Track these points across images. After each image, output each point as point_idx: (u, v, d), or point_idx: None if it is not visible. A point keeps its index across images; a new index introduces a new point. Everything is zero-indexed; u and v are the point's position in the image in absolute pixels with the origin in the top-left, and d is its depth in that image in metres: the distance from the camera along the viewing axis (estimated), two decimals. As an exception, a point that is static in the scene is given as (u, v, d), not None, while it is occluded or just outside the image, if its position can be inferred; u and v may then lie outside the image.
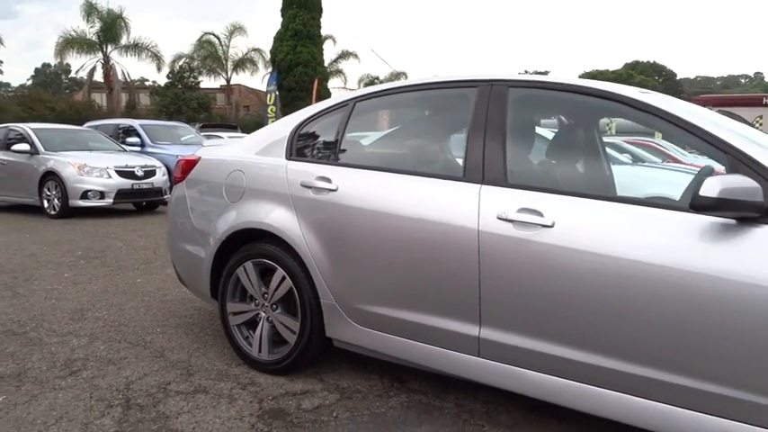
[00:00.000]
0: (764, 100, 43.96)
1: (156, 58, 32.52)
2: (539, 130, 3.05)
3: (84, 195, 9.15)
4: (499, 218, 2.39)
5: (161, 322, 3.99)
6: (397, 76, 49.18)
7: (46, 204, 9.37)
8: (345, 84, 41.99)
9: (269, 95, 21.95)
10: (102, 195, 9.26)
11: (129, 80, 33.78)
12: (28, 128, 10.17)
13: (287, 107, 26.52)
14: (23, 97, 28.93)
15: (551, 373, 2.34)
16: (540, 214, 2.32)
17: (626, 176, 2.41)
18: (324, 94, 30.10)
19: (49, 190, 9.34)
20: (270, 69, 33.62)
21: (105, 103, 32.35)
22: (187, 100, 34.19)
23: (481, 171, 2.52)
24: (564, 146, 2.75)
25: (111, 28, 30.96)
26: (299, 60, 31.90)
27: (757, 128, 18.45)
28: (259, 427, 2.59)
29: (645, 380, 2.14)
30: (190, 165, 3.54)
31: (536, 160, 2.65)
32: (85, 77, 33.18)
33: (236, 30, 36.61)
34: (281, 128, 3.27)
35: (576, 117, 2.77)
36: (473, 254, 2.44)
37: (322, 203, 2.89)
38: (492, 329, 2.45)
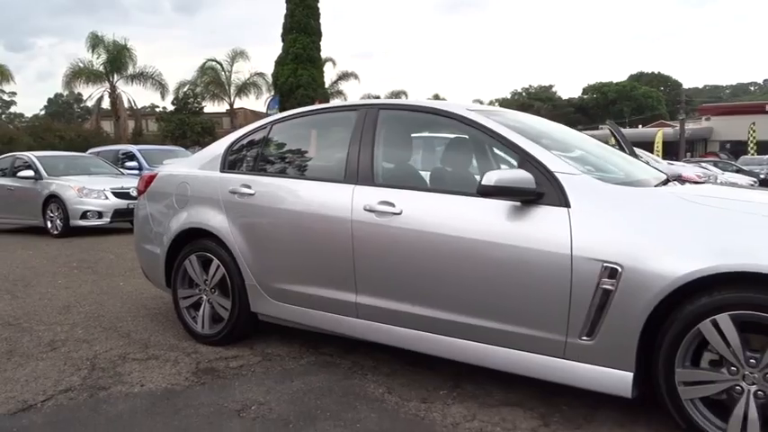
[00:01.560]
0: (767, 107, 44.50)
1: (161, 85, 33.68)
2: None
3: (84, 215, 9.97)
4: (365, 209, 3.13)
5: (132, 313, 4.75)
6: (396, 95, 50.25)
7: (49, 225, 10.21)
8: (346, 104, 42.91)
9: None
10: (100, 215, 10.08)
11: (134, 107, 34.94)
12: (32, 155, 11.07)
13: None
14: (34, 127, 30.13)
15: (408, 327, 3.07)
16: (392, 205, 3.06)
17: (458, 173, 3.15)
18: None
19: (51, 212, 10.18)
20: (272, 92, 34.61)
21: (113, 131, 33.48)
22: (191, 125, 35.26)
23: (356, 174, 3.27)
24: (412, 153, 3.49)
25: (117, 58, 32.15)
26: (300, 83, 32.78)
27: (751, 134, 19.08)
28: (192, 379, 3.32)
29: (467, 326, 2.86)
30: (150, 179, 4.33)
31: (394, 165, 3.39)
32: (93, 106, 34.34)
33: (237, 55, 37.68)
34: (219, 146, 4.05)
35: (422, 130, 3.51)
36: (348, 238, 3.19)
37: (244, 205, 3.66)
38: (365, 296, 3.19)
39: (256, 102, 57.10)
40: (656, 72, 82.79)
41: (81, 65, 31.91)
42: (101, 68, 32.37)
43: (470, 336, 2.87)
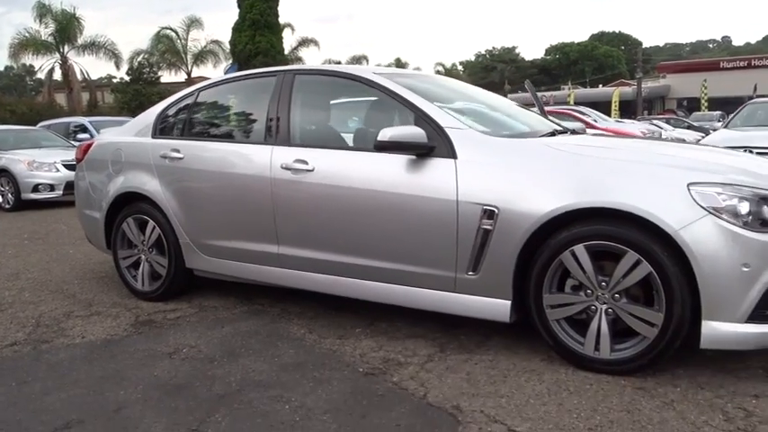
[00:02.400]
0: (722, 64, 45.51)
1: (114, 55, 32.93)
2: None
3: (36, 189, 10.01)
4: (282, 167, 3.42)
5: (80, 277, 4.98)
6: (357, 60, 49.95)
7: (0, 199, 10.23)
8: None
9: None
10: (51, 188, 10.12)
11: (88, 79, 34.15)
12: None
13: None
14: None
15: (324, 272, 3.39)
16: (306, 162, 3.35)
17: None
18: None
19: (2, 186, 10.20)
20: (231, 60, 34.13)
21: (67, 103, 32.73)
22: (148, 95, 34.59)
23: (275, 136, 3.55)
24: (325, 114, 3.78)
25: (66, 28, 31.25)
26: (259, 50, 32.33)
27: (703, 91, 19.71)
28: (130, 330, 3.61)
29: (373, 268, 3.19)
30: (87, 147, 4.53)
31: (308, 126, 3.67)
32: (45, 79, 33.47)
33: (192, 23, 36.95)
34: (150, 114, 4.27)
35: (334, 93, 3.78)
36: (269, 194, 3.47)
37: (174, 169, 3.90)
38: (285, 246, 3.49)
39: (214, 70, 55.91)
40: (616, 31, 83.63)
41: (27, 35, 30.95)
42: (50, 39, 31.44)
43: (376, 277, 3.20)
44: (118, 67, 33.52)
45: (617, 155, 2.90)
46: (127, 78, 37.24)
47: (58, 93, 34.24)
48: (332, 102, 3.78)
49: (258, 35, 32.31)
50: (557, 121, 4.30)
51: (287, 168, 3.40)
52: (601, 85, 53.10)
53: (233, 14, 31.88)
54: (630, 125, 16.57)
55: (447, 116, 3.10)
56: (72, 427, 2.44)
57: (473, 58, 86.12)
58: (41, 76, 34.59)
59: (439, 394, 2.57)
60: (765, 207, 2.50)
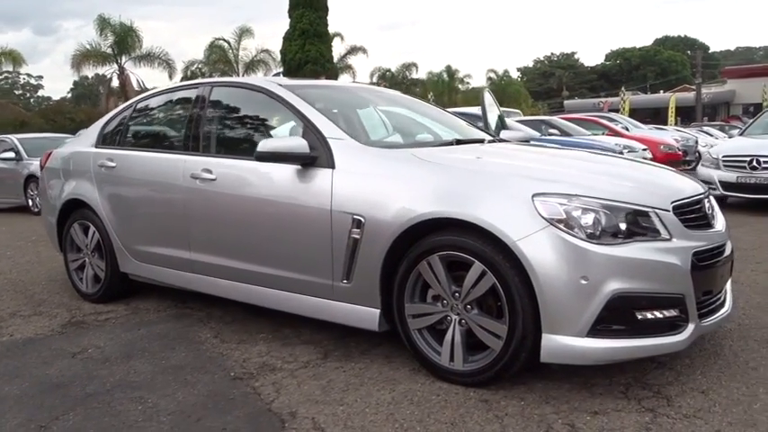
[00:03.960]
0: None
1: (168, 65, 34.23)
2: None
3: (60, 194, 10.54)
4: (191, 176, 3.54)
5: (50, 279, 5.25)
6: (407, 67, 50.18)
7: (30, 203, 10.83)
8: (354, 78, 43.08)
9: None
10: (75, 193, 10.64)
11: (143, 88, 35.56)
12: (14, 138, 11.68)
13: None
14: (46, 110, 30.98)
15: (225, 278, 3.49)
16: (210, 172, 3.46)
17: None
18: None
19: (31, 191, 10.79)
20: (281, 69, 34.89)
21: (124, 112, 34.14)
22: (200, 103, 35.71)
23: (189, 145, 3.67)
24: (232, 124, 3.86)
25: (124, 40, 32.72)
26: (308, 59, 32.89)
27: (765, 96, 19.08)
28: (57, 330, 3.80)
29: (263, 274, 3.26)
30: (47, 156, 4.79)
31: (216, 135, 3.75)
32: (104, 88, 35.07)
33: (244, 33, 38.04)
34: (97, 124, 4.48)
35: (245, 104, 3.84)
36: (181, 203, 3.60)
37: (108, 177, 4.09)
38: (196, 252, 3.61)
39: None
40: (682, 35, 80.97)
41: (89, 47, 32.56)
42: (108, 50, 32.97)
43: (266, 283, 3.28)
44: (171, 77, 34.76)
45: (479, 167, 2.87)
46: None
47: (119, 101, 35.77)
48: (238, 110, 3.85)
49: (308, 44, 32.86)
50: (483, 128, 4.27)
51: (195, 177, 3.52)
52: (662, 91, 51.48)
53: (284, 24, 32.50)
54: (664, 133, 16.02)
55: (331, 127, 3.14)
56: (-61, 418, 2.61)
57: (531, 65, 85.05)
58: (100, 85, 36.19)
59: (286, 400, 2.61)
60: (610, 218, 2.43)
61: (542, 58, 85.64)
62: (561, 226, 2.41)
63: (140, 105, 4.27)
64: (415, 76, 50.47)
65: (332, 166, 3.01)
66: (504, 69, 56.91)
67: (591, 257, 2.37)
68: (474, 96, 51.19)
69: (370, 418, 2.42)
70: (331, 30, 34.92)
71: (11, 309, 4.33)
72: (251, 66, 38.94)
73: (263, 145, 3.04)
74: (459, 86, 51.98)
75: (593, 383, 2.64)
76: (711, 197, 3.11)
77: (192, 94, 3.88)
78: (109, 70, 33.76)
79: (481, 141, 3.70)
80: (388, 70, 51.22)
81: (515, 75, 73.45)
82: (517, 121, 11.40)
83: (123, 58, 33.58)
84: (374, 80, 50.50)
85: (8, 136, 12.05)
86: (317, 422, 2.39)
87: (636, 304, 2.41)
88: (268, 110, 3.53)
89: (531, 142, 5.28)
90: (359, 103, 3.86)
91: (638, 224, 2.48)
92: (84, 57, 32.69)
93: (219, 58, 37.97)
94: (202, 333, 3.59)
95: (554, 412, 2.40)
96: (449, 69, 51.76)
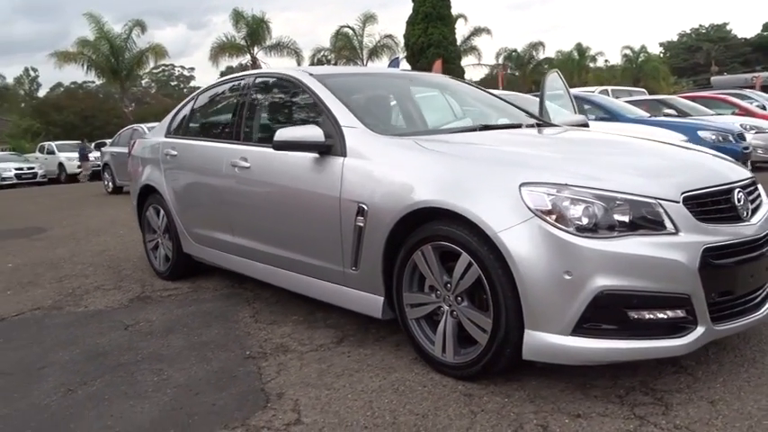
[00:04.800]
0: None
1: (296, 54, 35.69)
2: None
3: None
4: (231, 164, 3.73)
5: (142, 257, 5.75)
6: (534, 47, 48.47)
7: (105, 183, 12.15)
8: (480, 60, 42.42)
9: None
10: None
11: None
12: (144, 126, 12.80)
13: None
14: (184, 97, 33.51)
15: (261, 261, 3.65)
16: (246, 160, 3.63)
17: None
18: (456, 72, 31.08)
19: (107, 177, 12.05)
20: (405, 53, 35.15)
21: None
22: (326, 89, 36.92)
23: (232, 134, 3.88)
24: (270, 113, 3.96)
25: (256, 31, 34.53)
26: (431, 42, 32.81)
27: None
28: (125, 303, 4.19)
29: (291, 260, 3.39)
30: (134, 144, 5.24)
31: (255, 124, 3.88)
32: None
33: (368, 19, 38.67)
34: (169, 115, 4.82)
35: (280, 93, 3.92)
36: (224, 189, 3.82)
37: (172, 164, 4.41)
38: (237, 236, 3.81)
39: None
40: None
41: (225, 39, 34.70)
42: (242, 42, 34.94)
43: (291, 267, 3.40)
44: (299, 65, 36.17)
45: (477, 154, 2.76)
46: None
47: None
48: (275, 99, 3.97)
49: (431, 27, 32.73)
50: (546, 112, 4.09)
51: (234, 165, 3.71)
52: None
53: (408, 9, 32.60)
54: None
55: (347, 115, 3.16)
56: (-3, 377, 3.00)
57: (675, 39, 78.89)
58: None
59: (281, 381, 2.71)
60: (605, 210, 2.27)
61: (689, 31, 79.07)
62: (547, 217, 2.28)
63: (200, 97, 4.55)
64: (542, 56, 48.75)
65: (344, 154, 3.04)
66: (641, 45, 53.21)
67: (575, 252, 2.23)
68: (609, 75, 48.45)
69: (348, 404, 2.45)
70: (455, 11, 34.50)
71: (97, 282, 4.82)
72: (374, 52, 39.55)
73: (280, 134, 3.13)
74: (590, 65, 49.49)
75: (593, 384, 2.49)
76: (758, 186, 2.79)
77: (238, 84, 4.07)
78: (242, 60, 35.79)
79: (518, 126, 3.56)
80: (514, 50, 49.83)
81: (657, 50, 68.53)
82: (630, 102, 10.71)
83: (255, 49, 35.43)
84: (499, 61, 49.39)
85: (140, 125, 13.25)
86: (298, 404, 2.47)
87: (627, 303, 2.24)
88: (298, 99, 3.62)
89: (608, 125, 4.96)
90: (394, 89, 3.85)
91: (640, 216, 2.29)
92: (220, 48, 34.89)
93: (344, 45, 38.91)
94: (242, 312, 3.79)
95: (534, 412, 2.30)
96: (579, 47, 49.39)
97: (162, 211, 4.58)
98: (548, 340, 2.29)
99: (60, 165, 24.43)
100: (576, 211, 2.28)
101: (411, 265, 2.71)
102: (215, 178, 3.91)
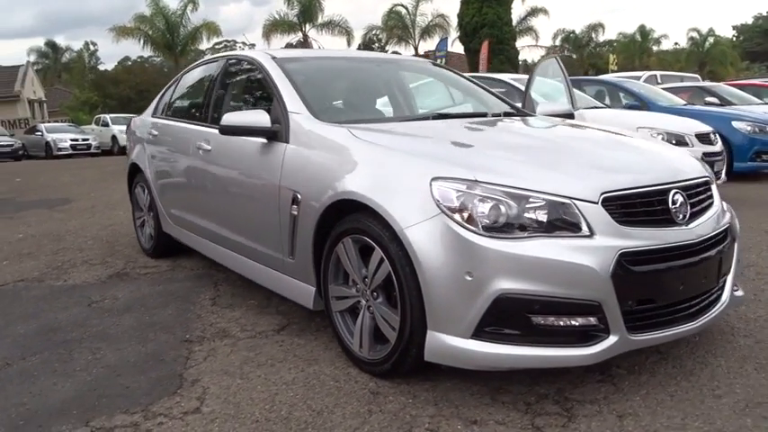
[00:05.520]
0: None
1: (347, 32, 35.63)
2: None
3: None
4: (196, 147, 3.74)
5: (141, 232, 5.88)
6: (593, 28, 46.92)
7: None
8: (537, 41, 41.38)
9: (439, 61, 23.27)
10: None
11: (324, 55, 37.45)
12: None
13: (474, 71, 27.31)
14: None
15: (219, 244, 3.66)
16: (208, 143, 3.63)
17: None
18: (509, 53, 30.68)
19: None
20: (458, 33, 34.59)
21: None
22: (375, 69, 36.81)
23: (200, 116, 3.89)
24: (231, 97, 3.91)
25: (308, 9, 34.61)
26: (485, 22, 32.05)
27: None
28: (102, 279, 4.29)
29: (241, 244, 3.39)
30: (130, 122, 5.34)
31: (220, 108, 3.84)
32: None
33: (422, -3, 38.15)
34: (157, 96, 4.87)
35: (243, 76, 3.87)
36: (191, 173, 3.84)
37: (152, 145, 4.46)
38: (202, 218, 3.83)
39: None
40: None
41: (277, 17, 34.96)
42: (294, 19, 35.10)
43: (243, 252, 3.39)
44: (349, 43, 36.15)
45: (404, 145, 2.65)
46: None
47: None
48: (236, 83, 3.94)
49: (485, 7, 31.92)
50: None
51: (198, 148, 3.71)
52: None
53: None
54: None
55: (296, 101, 3.10)
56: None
57: (750, 21, 74.84)
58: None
59: (203, 368, 2.72)
60: (515, 208, 2.15)
61: (765, 14, 74.80)
62: (454, 215, 2.18)
63: (184, 77, 4.57)
64: (601, 38, 47.17)
65: (287, 140, 3.00)
66: (708, 28, 50.76)
67: (477, 252, 2.12)
68: (672, 60, 46.42)
69: (253, 395, 2.43)
70: (511, -10, 33.62)
71: (87, 257, 4.95)
72: (426, 31, 39.08)
73: (226, 119, 3.10)
74: (654, 48, 47.56)
75: (506, 389, 2.39)
76: (710, 187, 2.61)
77: (213, 66, 4.07)
78: (294, 38, 35.98)
79: (482, 115, 3.42)
80: (572, 32, 48.38)
81: (728, 34, 65.22)
82: (667, 89, 10.22)
83: (307, 27, 35.55)
84: (556, 43, 48.04)
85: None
86: (205, 393, 2.47)
87: (529, 308, 2.12)
88: (259, 83, 3.58)
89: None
90: (362, 75, 3.76)
91: (554, 217, 2.17)
92: (272, 26, 35.19)
93: (396, 23, 38.58)
94: (205, 294, 3.82)
95: (431, 415, 2.22)
96: (642, 29, 47.51)
97: (146, 190, 4.65)
98: (448, 343, 2.20)
99: (113, 137, 25.22)
100: (483, 209, 2.17)
101: (335, 257, 2.65)
102: (185, 160, 3.93)
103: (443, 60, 22.73)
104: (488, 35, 31.26)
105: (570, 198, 2.18)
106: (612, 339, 2.17)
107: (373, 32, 38.96)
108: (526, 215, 2.16)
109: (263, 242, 3.16)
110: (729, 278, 2.59)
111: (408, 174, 2.37)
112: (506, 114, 3.56)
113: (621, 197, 2.25)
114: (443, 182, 2.24)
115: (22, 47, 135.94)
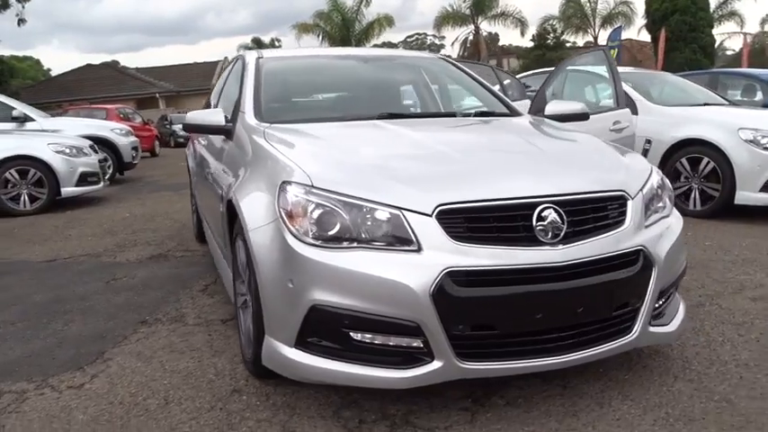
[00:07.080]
0: None
1: (520, 23, 34.75)
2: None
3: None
4: (206, 142, 4.00)
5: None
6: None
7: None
8: (742, 27, 36.97)
9: (612, 51, 21.81)
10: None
11: (494, 46, 36.83)
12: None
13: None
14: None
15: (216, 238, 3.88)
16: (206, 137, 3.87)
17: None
18: (705, 42, 28.41)
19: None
20: (645, 21, 32.15)
21: (476, 70, 36.17)
22: (549, 60, 35.47)
23: None
24: (225, 94, 4.02)
25: (482, 1, 34.26)
26: (676, 7, 29.37)
27: None
28: (140, 260, 4.74)
29: (214, 236, 3.57)
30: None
31: (216, 105, 4.02)
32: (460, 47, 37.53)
33: (603, -19, 35.94)
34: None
35: (240, 74, 3.95)
36: (203, 164, 4.11)
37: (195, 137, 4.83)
38: (209, 215, 4.09)
39: (626, 33, 52.87)
40: None
41: (449, 9, 35.09)
42: (466, 12, 34.99)
43: (218, 244, 3.57)
44: (523, 34, 35.20)
45: (291, 148, 2.55)
46: (530, 45, 38.71)
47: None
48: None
49: (678, -10, 29.35)
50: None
51: (206, 142, 3.97)
52: None
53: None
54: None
55: (249, 101, 3.16)
56: (-25, 307, 3.68)
57: None
58: (455, 45, 38.69)
59: (129, 348, 2.92)
60: (346, 217, 2.05)
61: None
62: (287, 220, 2.13)
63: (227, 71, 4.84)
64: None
65: (232, 138, 3.11)
66: None
67: (297, 260, 2.06)
68: None
69: (135, 379, 2.58)
70: (710, -28, 30.35)
71: (151, 238, 5.50)
72: (608, 19, 36.67)
73: (189, 116, 3.26)
74: None
75: (357, 406, 2.27)
76: (616, 204, 2.23)
77: (232, 64, 4.28)
78: (465, 31, 35.89)
79: (451, 116, 3.25)
80: (789, 15, 42.22)
81: None
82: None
83: (479, 18, 35.24)
84: (765, 29, 42.26)
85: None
86: (102, 372, 2.66)
87: (341, 322, 2.01)
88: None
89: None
90: (344, 74, 3.73)
91: (387, 229, 2.03)
92: (444, 18, 35.42)
93: (574, 12, 36.71)
94: (204, 281, 4.05)
95: (260, 419, 2.20)
96: None
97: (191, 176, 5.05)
98: (277, 349, 2.17)
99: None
100: (313, 216, 2.09)
101: (234, 254, 2.71)
102: (203, 152, 4.20)
103: (616, 51, 21.03)
104: (680, 22, 28.50)
105: (401, 209, 2.02)
106: (436, 365, 1.98)
107: (549, 22, 37.38)
108: (358, 225, 2.05)
109: (219, 235, 3.31)
110: (643, 310, 2.20)
111: (270, 176, 2.35)
112: (482, 114, 3.32)
113: (463, 210, 2.03)
114: (288, 186, 2.19)
115: (235, 44, 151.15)
